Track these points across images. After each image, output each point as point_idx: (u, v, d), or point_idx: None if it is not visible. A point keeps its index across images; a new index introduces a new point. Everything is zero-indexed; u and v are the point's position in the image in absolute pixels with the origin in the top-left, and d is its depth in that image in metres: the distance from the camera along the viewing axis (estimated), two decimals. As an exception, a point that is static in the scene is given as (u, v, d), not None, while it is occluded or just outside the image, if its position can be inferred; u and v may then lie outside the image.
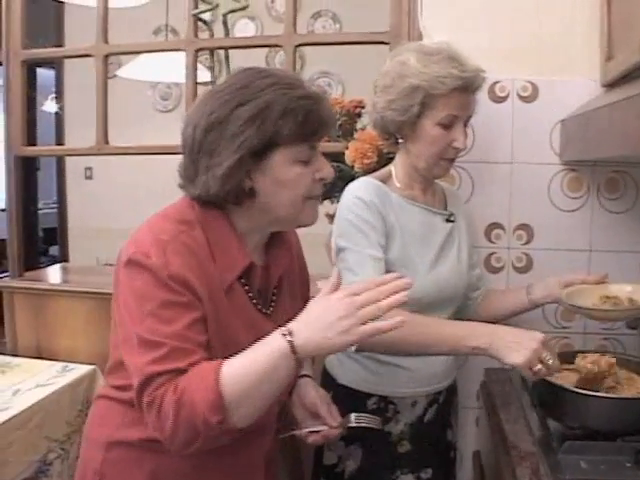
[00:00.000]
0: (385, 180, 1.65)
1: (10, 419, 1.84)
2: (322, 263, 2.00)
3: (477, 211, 1.92)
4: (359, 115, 2.17)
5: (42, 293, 2.46)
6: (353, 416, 1.38)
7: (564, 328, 2.01)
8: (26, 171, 2.68)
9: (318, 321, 1.05)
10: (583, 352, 1.60)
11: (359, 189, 1.58)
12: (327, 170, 1.24)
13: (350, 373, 1.67)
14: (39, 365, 2.27)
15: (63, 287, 2.43)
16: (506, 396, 1.77)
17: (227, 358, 1.10)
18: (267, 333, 1.14)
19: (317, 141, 1.23)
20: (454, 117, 1.53)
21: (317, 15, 4.59)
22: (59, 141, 5.23)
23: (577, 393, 1.42)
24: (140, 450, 1.25)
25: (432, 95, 1.49)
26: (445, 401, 1.72)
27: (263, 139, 1.14)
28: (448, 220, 1.68)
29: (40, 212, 5.90)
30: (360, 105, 2.11)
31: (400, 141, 1.62)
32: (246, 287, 1.26)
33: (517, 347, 1.35)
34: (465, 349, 1.41)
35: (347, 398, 1.62)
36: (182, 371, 1.08)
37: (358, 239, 1.53)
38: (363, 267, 1.50)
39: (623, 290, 1.66)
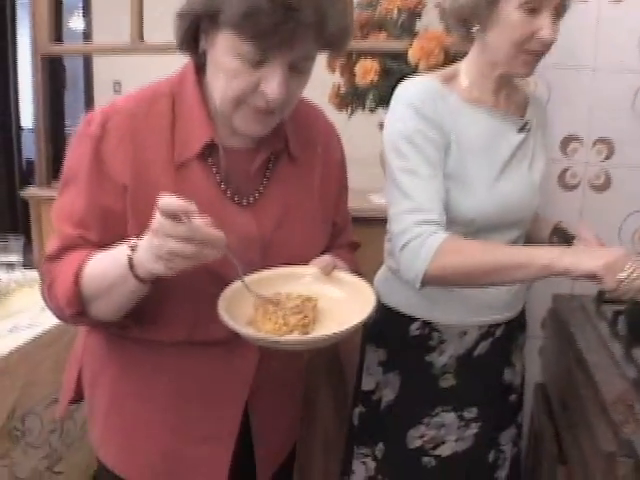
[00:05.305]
0: (449, 79, 1.43)
1: (40, 336, 1.75)
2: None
3: (552, 121, 1.74)
4: (419, 15, 2.00)
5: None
6: None
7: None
8: (52, 88, 2.49)
9: (147, 245, 1.00)
10: None
11: (408, 90, 1.38)
12: (272, 88, 1.10)
13: (393, 292, 1.50)
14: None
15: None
16: (581, 325, 1.62)
17: None
18: (239, 223, 1.17)
19: (274, 48, 1.08)
20: (540, 0, 1.29)
21: None
22: (87, 61, 5.05)
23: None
24: (111, 339, 1.27)
25: None
26: (504, 336, 1.49)
27: (208, 8, 1.10)
28: (521, 129, 1.45)
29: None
30: (421, 3, 2.00)
31: (475, 29, 1.38)
32: (214, 167, 1.19)
33: (593, 253, 1.18)
34: (534, 268, 1.20)
35: (388, 320, 1.48)
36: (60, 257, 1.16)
37: (411, 155, 1.33)
38: (419, 190, 1.31)
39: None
